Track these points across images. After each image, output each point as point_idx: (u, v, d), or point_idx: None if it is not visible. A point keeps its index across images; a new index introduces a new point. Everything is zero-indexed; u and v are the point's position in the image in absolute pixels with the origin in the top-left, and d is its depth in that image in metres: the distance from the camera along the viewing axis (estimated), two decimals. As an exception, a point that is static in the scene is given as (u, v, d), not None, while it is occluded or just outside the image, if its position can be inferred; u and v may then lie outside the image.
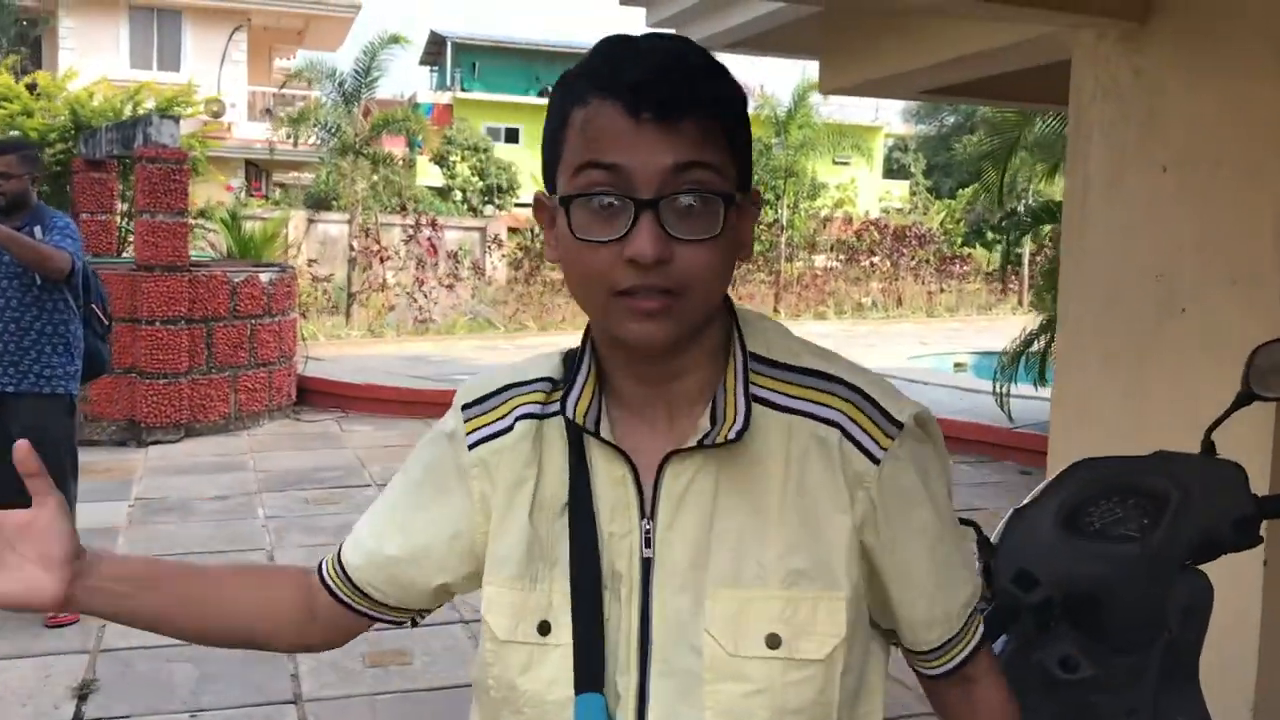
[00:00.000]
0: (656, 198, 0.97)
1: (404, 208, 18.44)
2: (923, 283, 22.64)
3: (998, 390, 8.46)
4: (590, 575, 1.05)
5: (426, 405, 9.82)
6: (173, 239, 8.54)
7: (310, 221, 18.11)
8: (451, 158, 28.59)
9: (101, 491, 6.73)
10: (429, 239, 16.00)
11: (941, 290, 22.53)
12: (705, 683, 1.03)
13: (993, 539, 1.90)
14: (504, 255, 20.72)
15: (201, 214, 14.31)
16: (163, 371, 8.38)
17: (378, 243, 15.71)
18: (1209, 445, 1.94)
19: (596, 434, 1.06)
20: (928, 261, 22.76)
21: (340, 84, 16.27)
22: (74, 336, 4.80)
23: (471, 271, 17.33)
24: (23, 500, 3.88)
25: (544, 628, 1.06)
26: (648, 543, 1.05)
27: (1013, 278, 21.06)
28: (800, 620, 1.03)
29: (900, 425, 1.07)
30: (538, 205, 1.09)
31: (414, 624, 1.24)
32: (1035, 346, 8.30)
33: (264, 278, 9.34)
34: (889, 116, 38.73)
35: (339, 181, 17.29)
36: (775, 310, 19.64)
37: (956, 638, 1.14)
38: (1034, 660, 1.81)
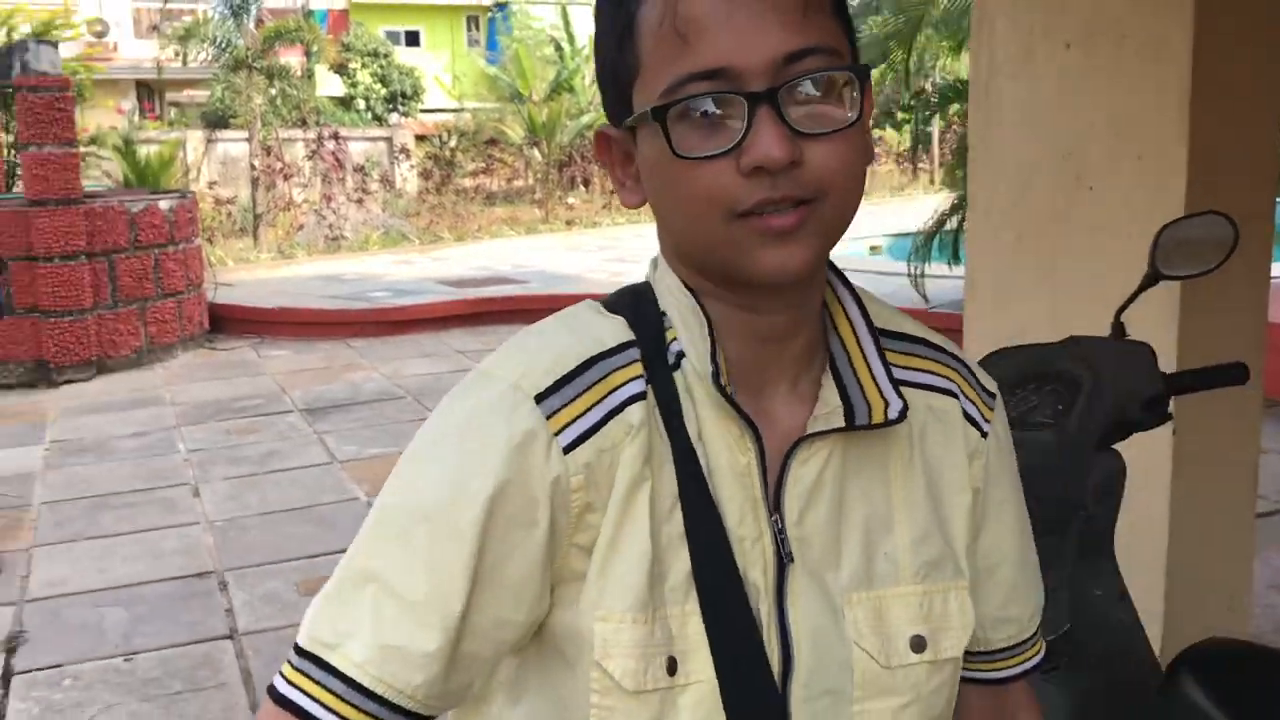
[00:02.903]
0: (773, 88, 0.78)
1: (304, 121, 17.91)
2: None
3: (912, 272, 8.54)
4: (728, 585, 0.84)
5: (344, 325, 9.70)
6: (63, 171, 8.20)
7: (209, 142, 17.54)
8: (351, 65, 27.77)
9: (14, 436, 6.56)
10: (333, 153, 15.58)
11: (854, 174, 22.60)
12: (854, 701, 0.87)
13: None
14: (413, 165, 20.31)
15: (93, 141, 13.77)
16: (67, 309, 8.10)
17: (281, 160, 15.27)
18: (1119, 327, 1.97)
19: (738, 408, 0.85)
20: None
21: (226, -4, 15.64)
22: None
23: (381, 184, 16.96)
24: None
25: (671, 665, 0.83)
26: (778, 545, 0.86)
27: (924, 157, 21.20)
28: (937, 616, 0.90)
29: (994, 395, 0.96)
30: (601, 144, 0.89)
31: None
32: (949, 226, 8.37)
33: (164, 205, 9.04)
34: None
35: (234, 98, 16.70)
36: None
37: (1026, 644, 1.02)
38: (961, 550, 1.84)
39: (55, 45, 8.87)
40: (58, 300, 8.07)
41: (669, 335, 0.88)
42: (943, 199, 9.10)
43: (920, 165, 21.13)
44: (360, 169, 15.98)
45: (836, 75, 0.80)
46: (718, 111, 0.79)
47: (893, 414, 0.87)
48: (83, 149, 10.08)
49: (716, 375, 0.85)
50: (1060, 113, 3.17)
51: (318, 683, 0.81)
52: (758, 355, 0.88)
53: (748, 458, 0.86)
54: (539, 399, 0.82)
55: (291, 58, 21.76)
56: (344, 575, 0.84)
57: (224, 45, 15.75)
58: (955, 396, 0.94)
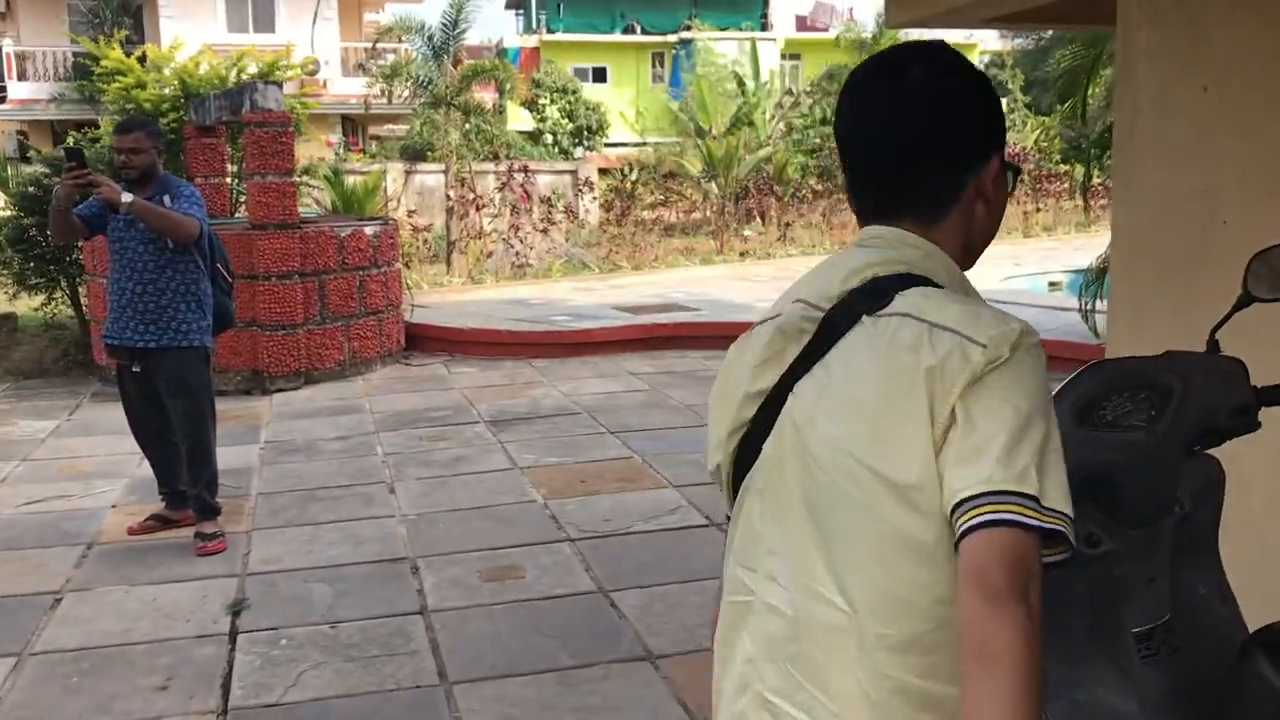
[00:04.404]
0: None
1: (496, 155, 18.84)
2: (1017, 203, 22.36)
3: (1083, 307, 8.54)
4: None
5: (527, 346, 10.26)
6: (282, 198, 9.04)
7: (408, 173, 18.65)
8: (541, 101, 28.89)
9: (234, 436, 7.29)
10: (521, 186, 16.38)
11: (1038, 209, 22.23)
12: None
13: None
14: (595, 198, 20.96)
15: (306, 171, 14.87)
16: (281, 323, 8.92)
17: (473, 191, 16.15)
18: (1214, 343, 2.18)
19: None
20: (1022, 181, 22.43)
21: (429, 38, 16.67)
22: (204, 294, 5.26)
23: (565, 215, 17.67)
24: (169, 444, 4.55)
25: None
26: None
27: (1106, 193, 20.61)
28: None
29: None
30: (996, 165, 1.47)
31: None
32: (1121, 263, 8.34)
33: (369, 231, 9.82)
34: (985, 33, 37.54)
35: (433, 133, 17.74)
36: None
37: None
38: (1062, 540, 2.08)
39: (280, 85, 9.77)
40: (273, 315, 8.90)
41: None
42: (1117, 235, 9.04)
43: (1092, 203, 20.54)
44: (546, 200, 16.73)
45: None
46: None
47: None
48: (297, 178, 10.98)
49: None
50: (1196, 152, 3.35)
51: (1050, 515, 1.26)
52: None
53: None
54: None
55: (486, 94, 22.88)
56: (1032, 454, 1.28)
57: (424, 83, 16.77)
58: None
